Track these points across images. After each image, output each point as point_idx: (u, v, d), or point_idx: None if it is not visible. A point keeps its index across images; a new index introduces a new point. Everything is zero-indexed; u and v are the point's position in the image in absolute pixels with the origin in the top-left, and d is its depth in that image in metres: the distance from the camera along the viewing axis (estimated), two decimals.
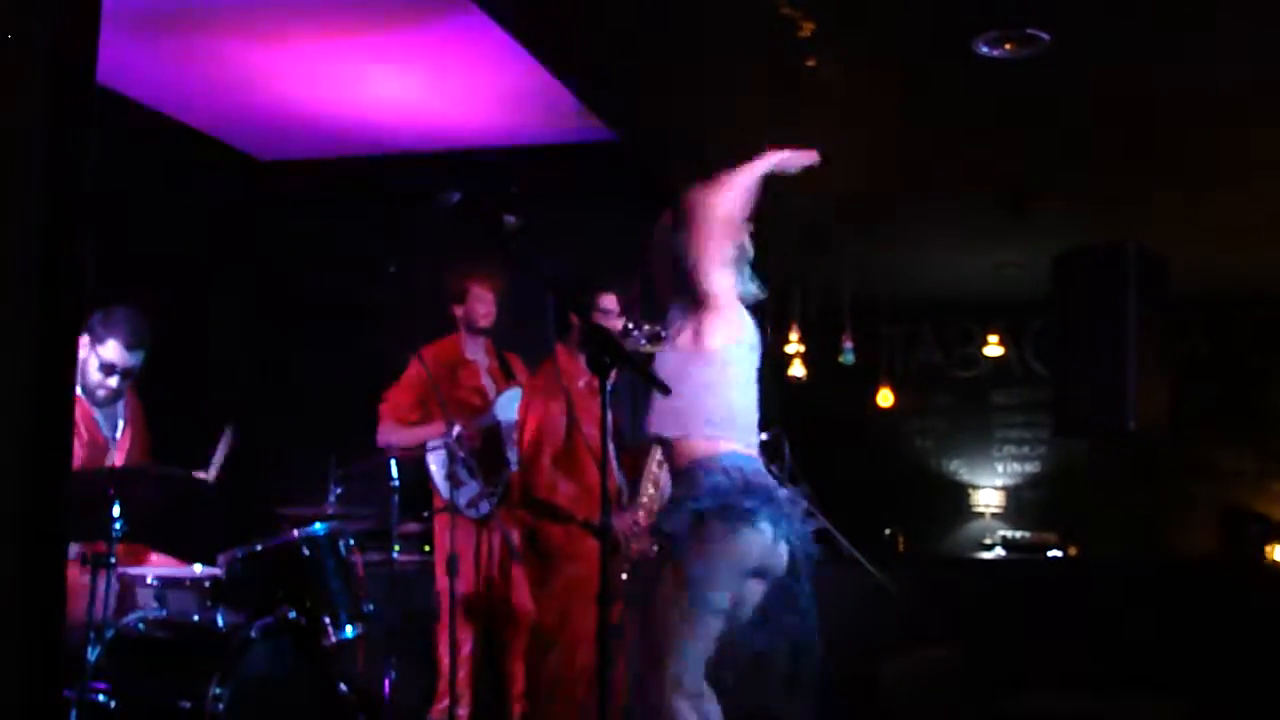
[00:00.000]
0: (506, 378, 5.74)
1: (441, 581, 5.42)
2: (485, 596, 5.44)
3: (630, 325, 4.66)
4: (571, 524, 4.73)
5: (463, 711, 5.45)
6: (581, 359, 4.88)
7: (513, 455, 5.26)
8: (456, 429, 5.26)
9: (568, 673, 4.68)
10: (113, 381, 4.47)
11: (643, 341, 4.60)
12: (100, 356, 4.43)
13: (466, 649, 5.47)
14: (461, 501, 5.31)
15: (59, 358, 2.18)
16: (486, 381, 5.74)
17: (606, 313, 4.85)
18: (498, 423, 5.53)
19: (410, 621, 5.42)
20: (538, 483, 4.77)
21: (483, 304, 5.76)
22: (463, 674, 5.41)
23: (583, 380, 4.87)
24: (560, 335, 5.04)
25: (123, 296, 4.52)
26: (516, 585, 5.38)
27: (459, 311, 5.79)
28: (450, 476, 5.37)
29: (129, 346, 4.46)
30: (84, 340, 4.45)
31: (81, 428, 4.49)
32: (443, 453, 5.36)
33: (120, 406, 4.68)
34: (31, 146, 2.12)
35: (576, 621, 4.67)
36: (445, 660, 5.34)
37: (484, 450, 5.49)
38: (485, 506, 5.34)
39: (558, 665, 4.71)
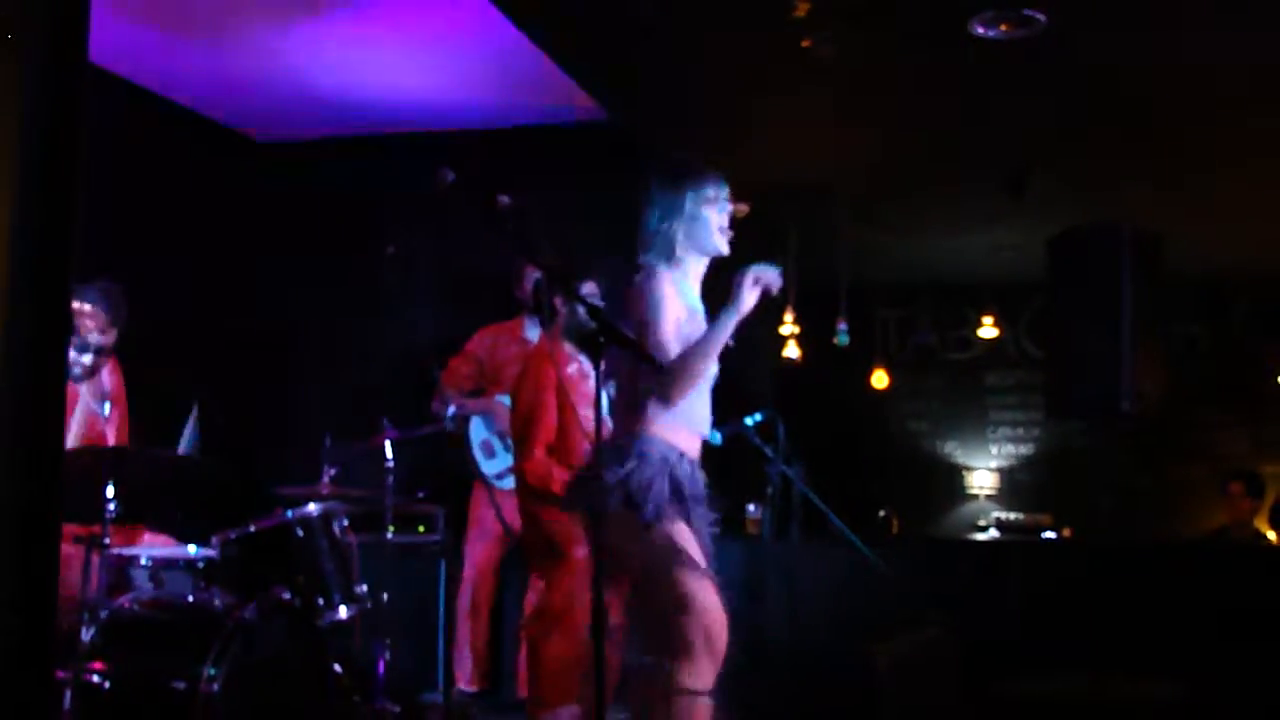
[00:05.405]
0: None
1: (475, 553, 5.54)
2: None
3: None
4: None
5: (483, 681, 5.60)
6: (569, 343, 4.89)
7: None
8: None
9: (571, 658, 4.67)
10: (87, 359, 4.45)
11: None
12: (76, 332, 4.40)
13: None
14: (492, 473, 5.54)
15: (50, 335, 2.18)
16: None
17: (589, 298, 4.85)
18: None
19: (404, 602, 5.42)
20: (533, 471, 4.78)
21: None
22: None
23: (573, 366, 4.87)
24: (549, 320, 5.04)
25: (116, 276, 4.51)
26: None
27: (519, 293, 5.79)
28: (484, 446, 5.50)
29: (103, 327, 4.44)
30: None
31: (76, 407, 4.48)
32: (482, 424, 5.52)
33: (104, 382, 4.65)
34: (20, 126, 2.11)
35: (582, 606, 4.66)
36: (471, 631, 5.45)
37: None
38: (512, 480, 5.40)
39: (560, 649, 4.70)
